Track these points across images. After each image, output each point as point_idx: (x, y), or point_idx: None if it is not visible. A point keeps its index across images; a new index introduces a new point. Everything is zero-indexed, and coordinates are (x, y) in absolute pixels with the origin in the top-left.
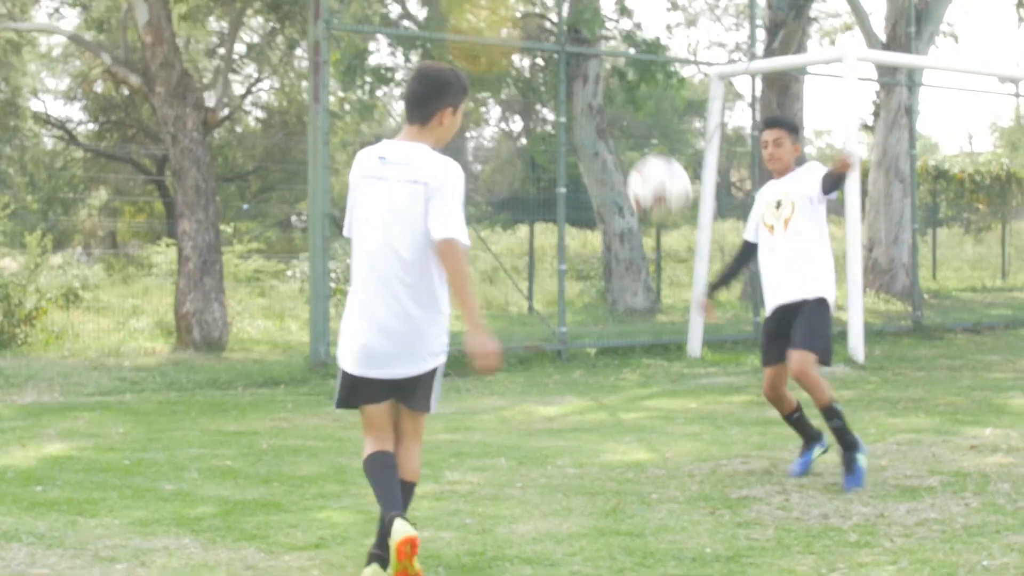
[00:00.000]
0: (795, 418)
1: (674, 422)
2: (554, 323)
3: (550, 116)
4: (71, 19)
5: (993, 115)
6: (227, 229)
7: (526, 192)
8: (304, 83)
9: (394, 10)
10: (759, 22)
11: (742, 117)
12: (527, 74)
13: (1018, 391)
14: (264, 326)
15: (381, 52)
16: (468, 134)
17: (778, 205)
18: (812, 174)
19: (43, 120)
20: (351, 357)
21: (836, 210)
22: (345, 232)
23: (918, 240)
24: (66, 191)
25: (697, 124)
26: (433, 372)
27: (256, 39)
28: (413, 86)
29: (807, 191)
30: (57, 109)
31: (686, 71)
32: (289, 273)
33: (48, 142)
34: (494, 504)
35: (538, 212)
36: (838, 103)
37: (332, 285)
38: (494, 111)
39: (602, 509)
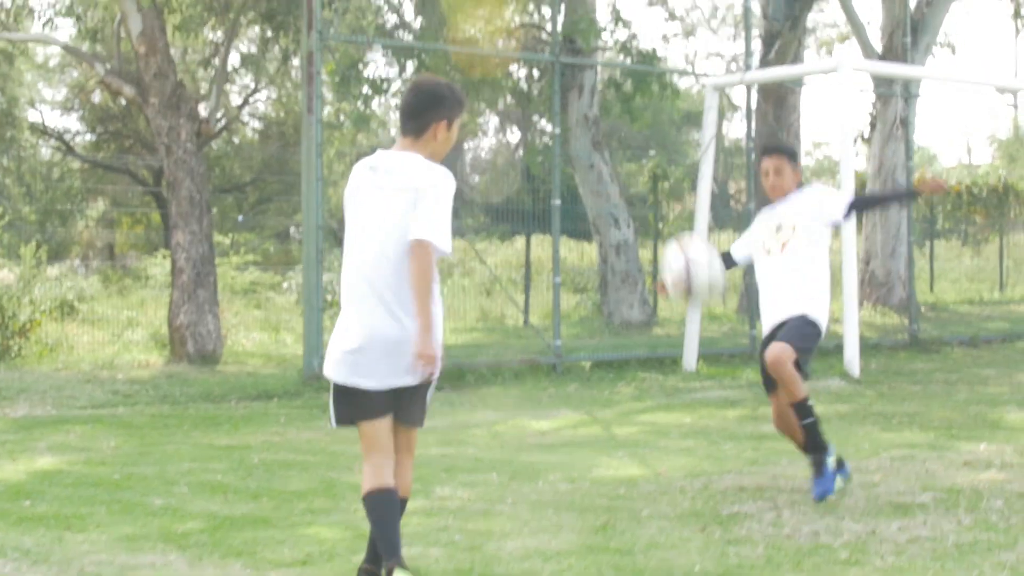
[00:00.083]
0: (808, 444)
1: (668, 437)
2: (549, 336)
3: (547, 127)
4: (66, 29)
5: (991, 126)
6: (224, 240)
7: (522, 203)
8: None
9: (390, 20)
10: (755, 32)
11: (740, 129)
12: (523, 85)
13: (1014, 405)
14: (259, 339)
15: (377, 63)
16: (466, 145)
17: (778, 228)
18: (818, 197)
19: (40, 131)
20: (344, 367)
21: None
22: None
23: (915, 252)
24: (63, 202)
25: (695, 135)
26: (428, 384)
27: (253, 49)
28: (407, 98)
29: (813, 213)
30: (54, 119)
31: (684, 82)
32: (285, 285)
33: (45, 153)
34: (484, 520)
35: (534, 224)
36: (835, 114)
37: (328, 298)
38: (492, 122)
39: (592, 525)
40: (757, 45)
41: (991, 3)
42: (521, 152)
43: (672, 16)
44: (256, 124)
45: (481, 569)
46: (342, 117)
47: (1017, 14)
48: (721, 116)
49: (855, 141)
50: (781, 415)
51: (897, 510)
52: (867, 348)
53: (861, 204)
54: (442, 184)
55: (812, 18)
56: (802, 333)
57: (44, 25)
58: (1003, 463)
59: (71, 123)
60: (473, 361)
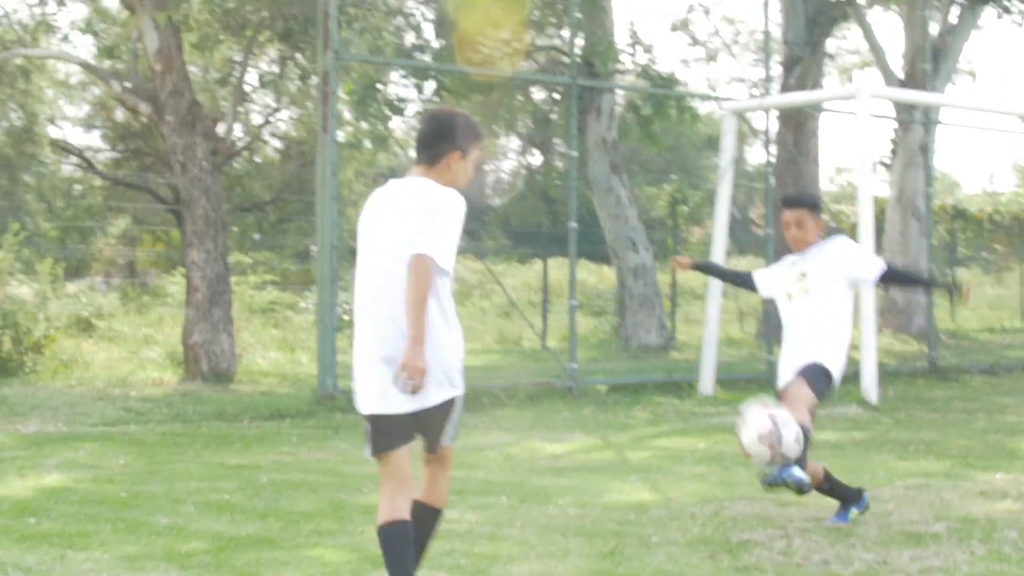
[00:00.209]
0: (826, 488)
1: (681, 462)
2: (565, 359)
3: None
4: (87, 47)
5: (1014, 154)
6: (245, 259)
7: (541, 226)
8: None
9: (409, 40)
10: (776, 58)
11: (761, 154)
12: (543, 107)
13: None
14: (275, 358)
15: (396, 83)
16: (486, 167)
17: (802, 276)
18: (848, 253)
19: (61, 148)
20: (373, 400)
21: None
22: None
23: None
24: (84, 219)
25: (715, 160)
26: (448, 404)
27: (275, 68)
28: (421, 128)
29: (840, 266)
30: (76, 137)
31: (705, 107)
32: (303, 305)
33: (66, 169)
34: (491, 544)
35: (553, 247)
36: (855, 140)
37: (345, 317)
38: (513, 144)
39: (600, 551)
40: (778, 71)
41: (1013, 30)
42: (540, 175)
43: (695, 41)
44: (277, 144)
45: None
46: (364, 138)
47: None
48: (742, 141)
49: (875, 167)
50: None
51: (910, 539)
52: (885, 375)
53: (891, 276)
54: (451, 204)
55: (834, 44)
56: (816, 376)
57: (61, 41)
58: (1019, 493)
59: (93, 140)
60: (488, 383)
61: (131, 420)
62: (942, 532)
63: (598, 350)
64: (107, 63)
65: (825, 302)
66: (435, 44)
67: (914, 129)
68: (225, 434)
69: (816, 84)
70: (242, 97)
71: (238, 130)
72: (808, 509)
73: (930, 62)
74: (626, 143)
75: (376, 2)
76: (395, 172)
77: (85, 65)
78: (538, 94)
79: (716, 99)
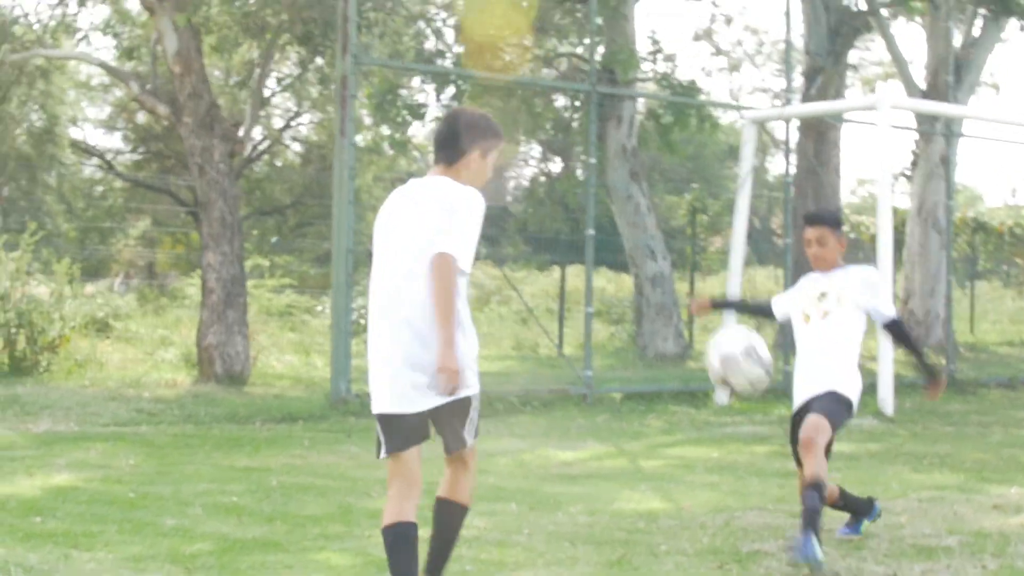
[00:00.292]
0: (840, 505)
1: (694, 471)
2: (580, 366)
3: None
4: (108, 48)
5: None
6: (264, 263)
7: (560, 233)
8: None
9: (429, 45)
10: (799, 68)
11: (783, 164)
12: (565, 114)
13: None
14: (290, 361)
15: (415, 88)
16: (508, 174)
17: (821, 296)
18: (871, 284)
19: (82, 149)
20: (383, 398)
21: (870, 258)
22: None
23: (957, 293)
24: (104, 220)
25: (736, 169)
26: (462, 403)
27: (295, 71)
28: (440, 127)
29: (861, 291)
30: (97, 138)
31: (727, 116)
32: (319, 308)
33: (87, 170)
34: (498, 550)
35: (571, 254)
36: (875, 151)
37: (361, 322)
38: (535, 151)
39: (608, 559)
40: (800, 81)
41: None
42: (565, 182)
43: (718, 51)
44: (297, 148)
45: None
46: (384, 142)
47: None
48: (764, 151)
49: (896, 179)
50: None
51: (921, 553)
52: (902, 387)
53: (896, 329)
54: (470, 203)
55: (858, 56)
56: (837, 408)
57: (79, 41)
58: None
59: (114, 142)
60: (503, 390)
61: (143, 421)
62: (954, 546)
63: (615, 358)
64: (127, 65)
65: (844, 327)
66: (456, 49)
67: (935, 141)
68: (236, 436)
69: (838, 95)
70: (261, 100)
71: (258, 134)
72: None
73: (952, 74)
74: (646, 151)
75: (396, 7)
76: (415, 176)
77: (104, 66)
78: (559, 101)
79: (736, 108)
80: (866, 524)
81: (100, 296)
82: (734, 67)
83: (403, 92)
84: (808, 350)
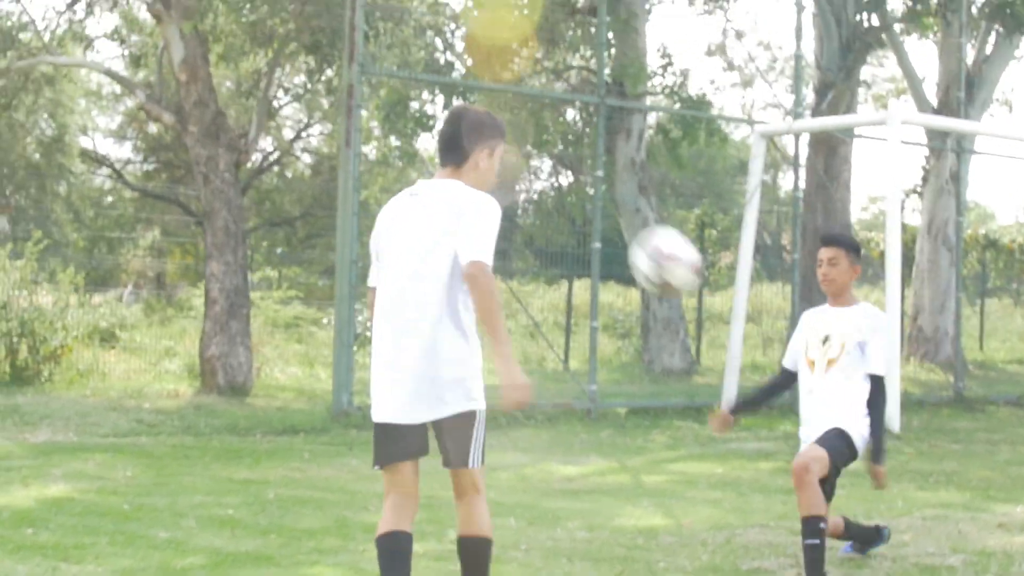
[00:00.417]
0: (846, 536)
1: (696, 487)
2: (585, 381)
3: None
4: (115, 56)
5: None
6: (272, 274)
7: (568, 247)
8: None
9: (440, 57)
10: (811, 83)
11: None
12: (574, 127)
13: None
14: (294, 372)
15: (424, 99)
16: (519, 187)
17: (825, 340)
18: (874, 330)
19: (91, 158)
20: (382, 406)
21: (879, 274)
22: (372, 282)
23: (967, 310)
24: (113, 230)
25: (746, 184)
26: (465, 418)
27: (304, 81)
28: (446, 128)
29: (861, 335)
30: (107, 147)
31: (739, 132)
32: (326, 320)
33: (96, 180)
34: (494, 567)
35: (579, 267)
36: (886, 167)
37: (368, 335)
38: (543, 163)
39: None
40: (811, 96)
41: None
42: (573, 195)
43: (730, 66)
44: (308, 159)
45: None
46: (394, 152)
47: None
48: (776, 167)
49: (907, 195)
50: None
51: (924, 572)
52: (910, 404)
53: (876, 392)
54: (486, 206)
55: (870, 72)
56: (838, 447)
57: (84, 49)
58: None
59: (125, 152)
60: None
61: (142, 432)
62: (957, 565)
63: (620, 372)
64: (137, 73)
65: (848, 379)
66: (466, 61)
67: (946, 157)
68: (236, 448)
69: (849, 110)
70: (268, 110)
71: (269, 145)
72: None
73: (964, 91)
74: (654, 166)
75: (405, 17)
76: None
77: (110, 74)
78: (570, 113)
79: (745, 122)
80: (872, 549)
81: (106, 306)
82: (747, 83)
83: (413, 104)
84: (812, 401)
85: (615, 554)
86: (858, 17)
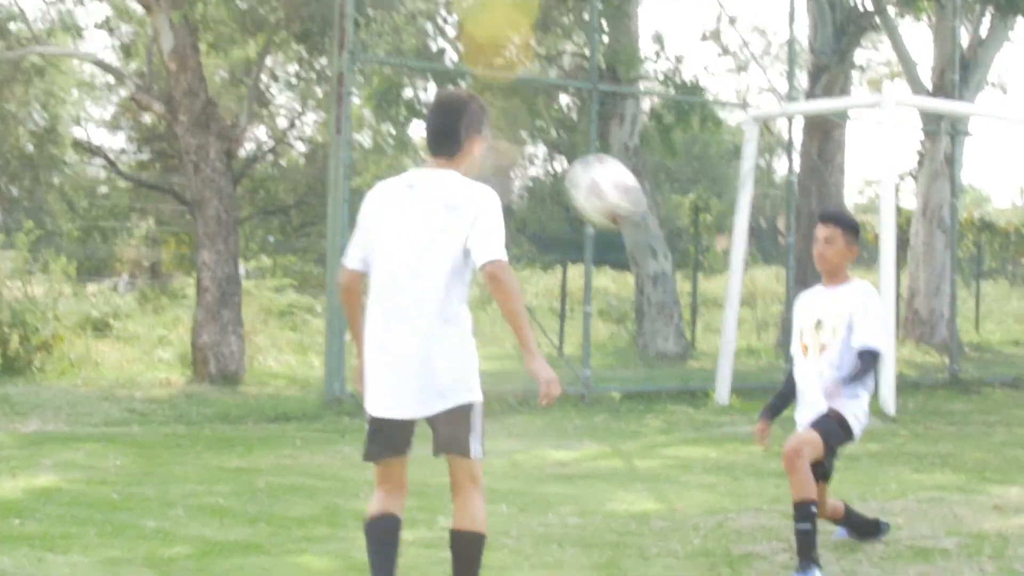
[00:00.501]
0: (845, 523)
1: (690, 471)
2: (579, 366)
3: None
4: (105, 46)
5: None
6: (268, 262)
7: (561, 232)
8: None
9: (432, 44)
10: (806, 67)
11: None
12: (569, 113)
13: None
14: (287, 360)
15: (416, 86)
16: (513, 173)
17: (818, 325)
18: (863, 297)
19: (84, 148)
20: (381, 402)
21: (873, 257)
22: (350, 263)
23: (963, 292)
24: (107, 220)
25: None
26: (464, 409)
27: (296, 70)
28: (437, 119)
29: (853, 318)
30: (102, 138)
31: (734, 117)
32: (319, 308)
33: (90, 170)
34: (485, 554)
35: (574, 253)
36: (879, 150)
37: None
38: (541, 150)
39: (596, 563)
40: (805, 80)
41: None
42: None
43: (725, 51)
44: (302, 147)
45: None
46: (384, 140)
47: None
48: (771, 151)
49: (902, 178)
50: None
51: (918, 555)
52: (906, 387)
53: (864, 356)
54: (492, 202)
55: (865, 56)
56: (831, 429)
57: (73, 38)
58: None
59: (119, 142)
60: (501, 390)
61: (134, 421)
62: (952, 548)
63: (615, 357)
64: (127, 63)
65: (840, 359)
66: (459, 47)
67: (940, 140)
68: (228, 436)
69: (844, 94)
70: (259, 98)
71: (263, 133)
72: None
73: (959, 73)
74: (647, 152)
75: (396, 4)
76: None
77: (99, 63)
78: (564, 99)
79: (738, 106)
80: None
81: (100, 295)
82: (741, 68)
83: (406, 91)
84: (807, 386)
85: (606, 539)
86: (852, 1)
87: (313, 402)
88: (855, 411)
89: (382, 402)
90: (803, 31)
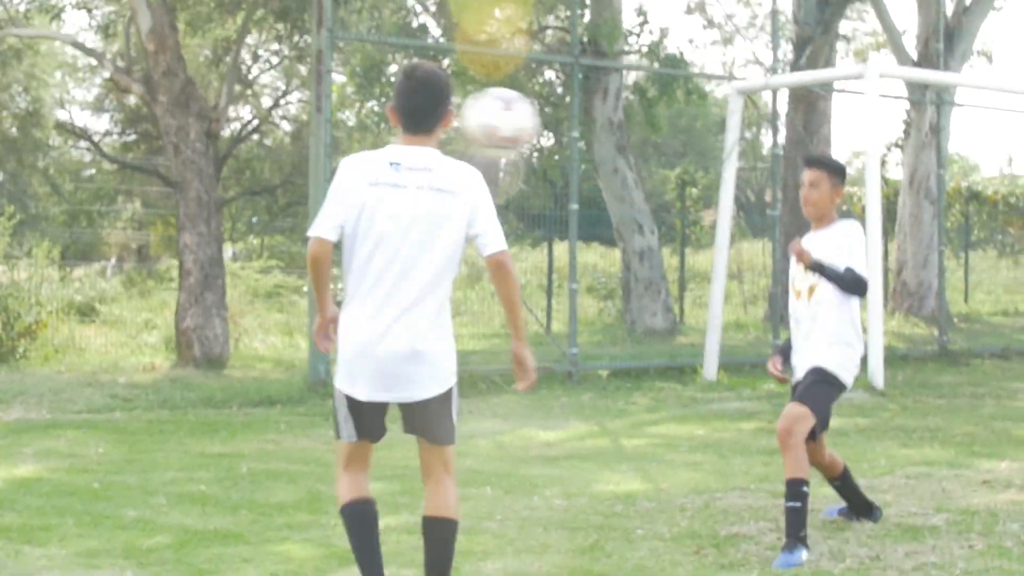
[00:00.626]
0: (838, 486)
1: (677, 450)
2: (565, 344)
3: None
4: (85, 27)
5: None
6: (255, 242)
7: (546, 209)
8: (333, 96)
9: (416, 21)
10: (791, 38)
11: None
12: (556, 89)
13: None
14: (274, 343)
15: (400, 62)
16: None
17: (807, 268)
18: (846, 237)
19: (68, 131)
20: (369, 386)
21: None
22: (325, 233)
23: (952, 263)
24: (93, 203)
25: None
26: (448, 395)
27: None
28: (417, 97)
29: (838, 255)
30: (85, 119)
31: (720, 89)
32: (306, 288)
33: (75, 153)
34: (467, 538)
35: (560, 229)
36: (865, 122)
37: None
38: None
39: (580, 546)
40: (789, 51)
41: None
42: (557, 157)
43: (710, 24)
44: (287, 126)
45: None
46: (369, 118)
47: None
48: (759, 124)
49: (889, 149)
50: (812, 455)
51: (906, 533)
52: (895, 359)
53: (858, 277)
54: (483, 186)
55: (851, 26)
56: (820, 393)
57: (51, 20)
58: (1023, 482)
59: (102, 124)
60: (487, 368)
61: (117, 407)
62: (941, 525)
63: (603, 334)
64: (111, 44)
65: (829, 303)
66: (440, 22)
67: (926, 110)
68: (212, 421)
69: (828, 65)
70: (238, 78)
71: (247, 113)
72: None
73: (943, 42)
74: (632, 126)
75: None
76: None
77: (76, 45)
78: (549, 74)
79: (724, 78)
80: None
81: (86, 280)
82: (727, 40)
83: (391, 68)
84: (800, 331)
85: (592, 522)
86: None
87: (298, 385)
88: (842, 361)
89: (369, 385)
90: (787, 2)
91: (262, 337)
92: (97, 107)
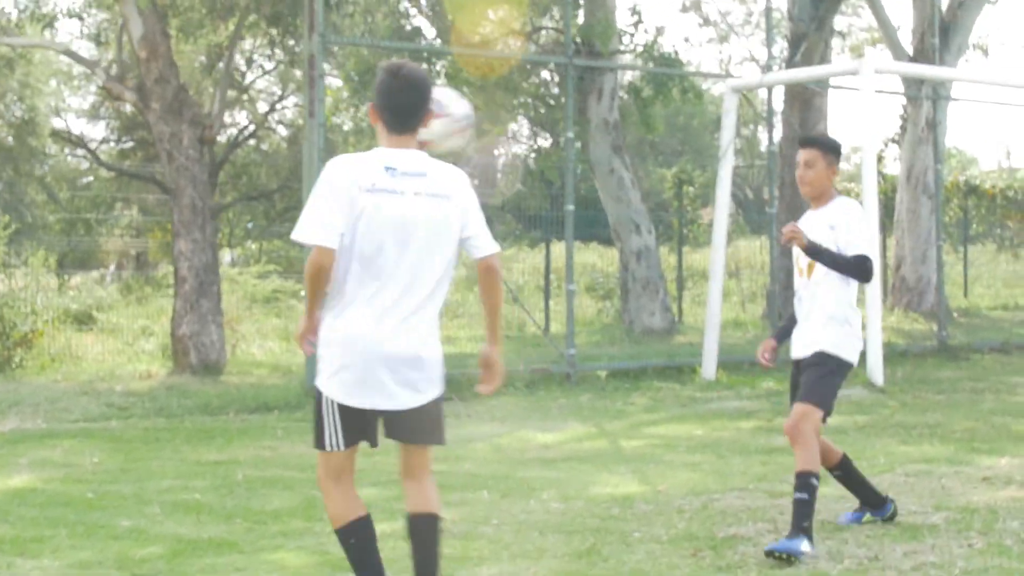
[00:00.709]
0: (838, 475)
1: (675, 451)
2: (563, 344)
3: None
4: (78, 36)
5: None
6: (252, 247)
7: (543, 210)
8: (328, 100)
9: (410, 25)
10: (785, 34)
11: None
12: (548, 89)
13: None
14: (271, 348)
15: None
16: (497, 151)
17: None
18: (844, 214)
19: (64, 139)
20: (362, 391)
21: None
22: (329, 243)
23: (951, 257)
24: (90, 211)
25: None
26: (440, 400)
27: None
28: (405, 97)
29: (836, 235)
30: (81, 127)
31: (717, 87)
32: (304, 293)
33: (72, 161)
34: (463, 544)
35: (557, 230)
36: (861, 118)
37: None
38: (515, 126)
39: (577, 550)
40: (784, 48)
41: None
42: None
43: (706, 22)
44: (283, 131)
45: None
46: (364, 121)
47: None
48: (756, 121)
49: (886, 145)
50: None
51: (905, 532)
52: (894, 355)
53: (859, 259)
54: (470, 187)
55: (846, 22)
56: (822, 383)
57: (43, 29)
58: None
59: (99, 132)
60: None
61: (113, 416)
62: (940, 523)
63: (601, 334)
64: (104, 52)
65: (828, 282)
66: (434, 25)
67: (922, 105)
68: (208, 428)
69: (823, 61)
70: (231, 83)
71: (243, 118)
72: None
73: (939, 37)
74: (625, 127)
75: None
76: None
77: (68, 53)
78: (544, 75)
79: (720, 76)
80: (868, 518)
81: (84, 287)
82: (722, 38)
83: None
84: (802, 308)
85: (589, 525)
86: None
87: (295, 390)
88: (839, 341)
89: (370, 393)
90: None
91: (259, 342)
92: (93, 115)
